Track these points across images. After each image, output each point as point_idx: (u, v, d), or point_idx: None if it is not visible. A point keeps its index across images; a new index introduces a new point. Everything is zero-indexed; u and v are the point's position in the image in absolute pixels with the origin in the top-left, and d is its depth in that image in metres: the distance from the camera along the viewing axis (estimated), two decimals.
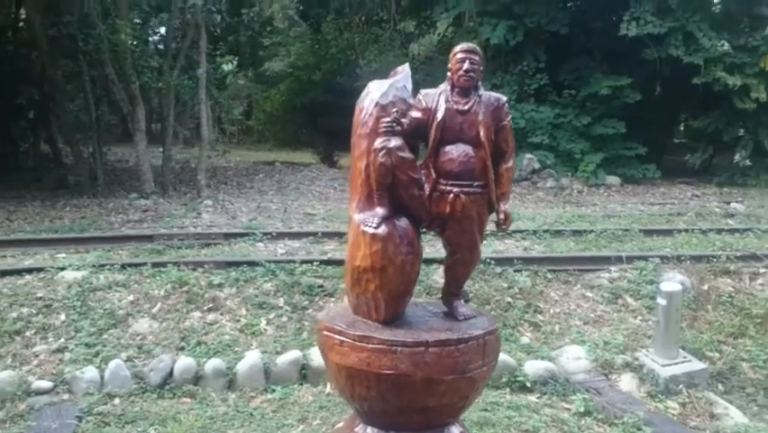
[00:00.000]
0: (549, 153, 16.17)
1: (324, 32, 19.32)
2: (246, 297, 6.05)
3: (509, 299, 6.27)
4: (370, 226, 2.87)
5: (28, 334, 5.37)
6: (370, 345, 2.85)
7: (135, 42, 11.05)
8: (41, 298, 5.75)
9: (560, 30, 17.16)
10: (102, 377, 4.94)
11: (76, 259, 6.86)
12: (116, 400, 4.80)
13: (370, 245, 2.88)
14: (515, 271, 6.68)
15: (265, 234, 8.16)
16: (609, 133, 16.12)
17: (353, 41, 18.36)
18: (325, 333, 3.02)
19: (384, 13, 18.10)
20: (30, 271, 6.22)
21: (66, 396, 4.80)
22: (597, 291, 6.58)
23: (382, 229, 2.87)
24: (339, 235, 8.17)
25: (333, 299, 6.12)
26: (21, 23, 14.68)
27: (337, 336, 2.96)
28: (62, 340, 5.32)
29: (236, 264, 6.51)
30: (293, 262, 6.56)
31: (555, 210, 11.71)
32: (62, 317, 5.56)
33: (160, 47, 12.00)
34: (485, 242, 3.45)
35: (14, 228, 9.59)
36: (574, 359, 5.48)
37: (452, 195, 2.96)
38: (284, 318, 5.85)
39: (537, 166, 15.99)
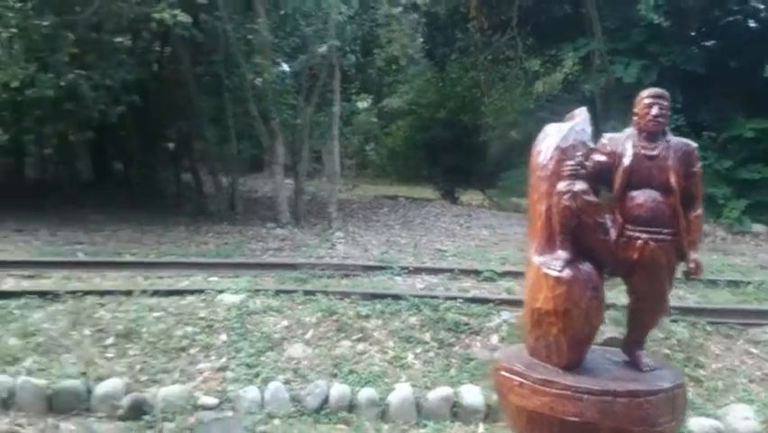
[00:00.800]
0: None
1: (449, 70, 19.57)
2: (393, 329, 6.14)
3: (667, 351, 6.01)
4: (553, 269, 2.86)
5: (192, 351, 5.68)
6: (553, 390, 2.82)
7: (275, 81, 11.60)
8: (203, 318, 6.08)
9: (696, 70, 16.56)
10: (262, 397, 5.14)
11: (229, 282, 7.20)
12: (276, 421, 4.98)
13: (554, 288, 2.87)
14: (671, 321, 6.39)
15: (402, 268, 8.26)
16: (755, 178, 15.23)
17: (479, 79, 18.47)
18: (504, 373, 3.02)
19: (510, 52, 18.12)
20: (191, 292, 6.60)
21: (230, 413, 5.02)
22: (762, 348, 6.19)
23: (566, 272, 2.86)
24: (475, 273, 8.17)
25: (479, 338, 6.10)
26: (164, 60, 15.77)
27: (516, 378, 2.95)
28: (224, 359, 5.59)
29: (381, 297, 6.63)
30: (437, 297, 6.60)
31: (702, 258, 11.14)
32: (223, 337, 5.85)
33: (295, 85, 12.52)
34: None
35: (164, 251, 10.20)
36: (742, 419, 5.15)
37: (640, 241, 2.92)
38: (431, 354, 5.89)
39: None
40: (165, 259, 9.14)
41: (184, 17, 9.74)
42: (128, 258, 9.27)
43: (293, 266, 8.36)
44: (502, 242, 12.45)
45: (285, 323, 6.11)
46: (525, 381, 2.91)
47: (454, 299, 6.60)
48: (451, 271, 8.24)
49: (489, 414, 5.15)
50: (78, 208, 14.71)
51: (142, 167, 17.09)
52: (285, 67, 12.62)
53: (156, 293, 6.52)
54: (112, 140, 17.47)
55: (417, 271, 8.27)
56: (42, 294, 6.42)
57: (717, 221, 15.01)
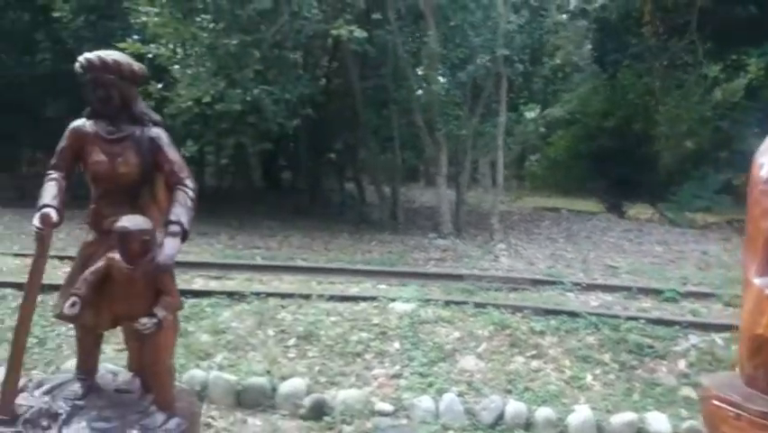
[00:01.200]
0: None
1: (621, 77, 18.70)
2: (569, 348, 5.92)
3: None
4: None
5: (367, 357, 5.80)
6: None
7: (443, 92, 11.67)
8: (377, 324, 6.20)
9: None
10: (437, 408, 5.13)
11: (398, 291, 7.30)
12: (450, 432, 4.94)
13: None
14: None
15: (574, 284, 7.96)
16: None
17: (653, 86, 17.49)
18: (717, 403, 2.77)
19: (688, 57, 17.00)
20: (364, 299, 6.76)
21: (404, 421, 5.06)
22: None
23: None
24: (655, 293, 7.70)
25: (665, 362, 5.72)
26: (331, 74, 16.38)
27: (732, 409, 2.69)
28: (397, 367, 5.65)
29: (555, 313, 6.42)
30: (617, 317, 6.28)
31: None
32: (396, 345, 5.93)
33: (460, 96, 12.52)
34: None
35: (332, 257, 10.58)
36: None
37: None
38: (611, 376, 5.60)
39: None
40: (334, 265, 9.47)
41: (359, 33, 10.09)
42: (300, 263, 9.72)
43: (459, 277, 8.34)
44: (679, 260, 11.66)
45: (456, 334, 6.08)
46: (742, 413, 2.66)
47: (636, 319, 6.25)
48: (628, 289, 7.81)
49: None
50: (252, 215, 15.71)
51: (309, 176, 17.86)
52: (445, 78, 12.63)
53: (332, 298, 6.73)
54: (283, 150, 18.43)
55: (590, 287, 7.93)
56: (230, 294, 6.86)
57: None
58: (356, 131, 14.59)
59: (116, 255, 3.11)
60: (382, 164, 14.31)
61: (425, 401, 5.15)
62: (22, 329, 3.08)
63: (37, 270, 3.04)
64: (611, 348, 5.89)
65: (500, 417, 5.06)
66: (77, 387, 3.35)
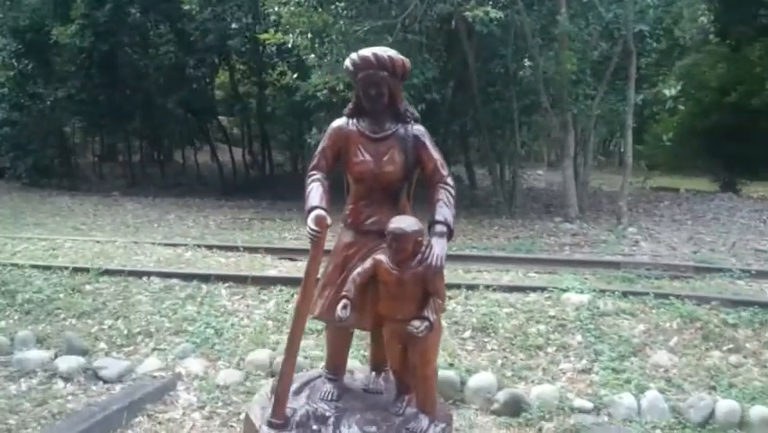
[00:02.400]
0: None
1: (747, 50, 17.65)
2: (767, 341, 5.57)
3: None
4: None
5: (549, 350, 5.64)
6: None
7: (574, 72, 11.27)
8: (553, 316, 6.02)
9: None
10: (639, 405, 4.92)
11: (559, 280, 7.07)
12: (657, 430, 4.73)
13: None
14: None
15: (743, 271, 7.55)
16: None
17: None
18: None
19: None
20: (533, 289, 6.58)
21: (605, 418, 4.88)
22: None
23: None
24: None
25: None
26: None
27: None
28: (584, 361, 5.47)
29: (745, 304, 6.06)
30: None
31: None
32: (578, 338, 5.74)
33: (591, 75, 12.08)
34: None
35: (460, 244, 10.44)
36: None
37: None
38: None
39: None
40: (469, 252, 9.34)
41: (495, 13, 9.84)
42: None
43: (615, 264, 8.05)
44: None
45: (641, 327, 5.82)
46: None
47: None
48: None
49: None
50: None
51: None
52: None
53: (499, 288, 6.59)
54: None
55: (761, 274, 7.49)
56: None
57: None
58: (472, 113, 14.34)
59: (382, 256, 3.06)
60: (501, 147, 14.02)
61: (626, 398, 4.95)
62: (297, 333, 3.08)
63: (313, 272, 3.01)
64: None
65: (710, 415, 4.80)
66: (330, 388, 3.34)
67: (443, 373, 5.26)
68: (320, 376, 3.68)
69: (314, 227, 2.92)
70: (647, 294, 6.30)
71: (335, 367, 3.42)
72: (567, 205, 12.22)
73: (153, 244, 8.91)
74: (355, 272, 3.11)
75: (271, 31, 9.80)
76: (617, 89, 12.91)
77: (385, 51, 3.10)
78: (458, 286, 6.66)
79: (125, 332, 6.15)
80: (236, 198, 17.10)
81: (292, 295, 6.81)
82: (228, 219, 13.09)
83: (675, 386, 5.14)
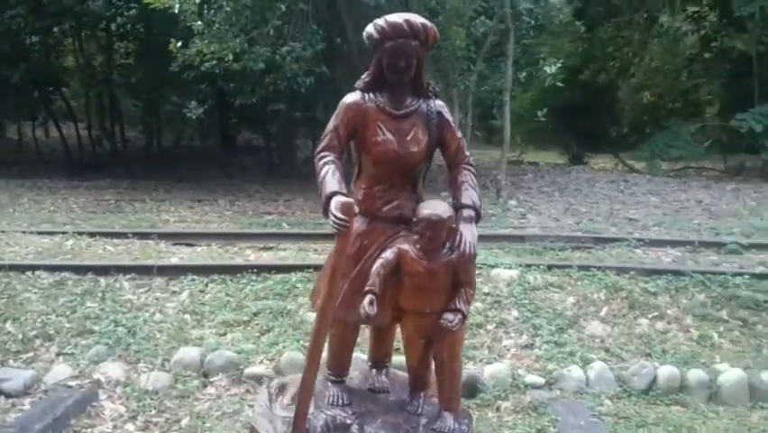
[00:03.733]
0: None
1: (600, 30, 18.82)
2: (685, 307, 5.94)
3: None
4: None
5: (490, 327, 5.63)
6: None
7: (461, 48, 11.37)
8: (488, 294, 6.02)
9: None
10: (587, 377, 5.04)
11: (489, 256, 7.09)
12: (607, 402, 4.87)
13: None
14: None
15: (638, 240, 8.02)
16: None
17: (632, 38, 17.70)
18: None
19: (665, 10, 17.26)
20: None
21: (558, 392, 4.95)
22: None
23: None
24: (717, 245, 7.87)
25: None
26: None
27: None
28: (525, 337, 5.52)
29: (659, 272, 6.42)
30: (723, 273, 6.34)
31: None
32: (515, 313, 5.78)
33: (475, 51, 12.26)
34: None
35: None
36: None
37: None
38: (736, 333, 5.66)
39: None
40: None
41: None
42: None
43: (521, 238, 8.24)
44: (683, 209, 12.02)
45: (572, 300, 5.98)
46: None
47: (741, 275, 6.32)
48: (690, 243, 7.94)
49: None
50: (229, 178, 15.20)
51: (284, 135, 17.31)
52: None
53: None
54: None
55: (655, 243, 8.01)
56: (318, 267, 6.49)
57: None
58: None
59: (407, 245, 2.80)
60: None
61: (574, 371, 5.05)
62: (321, 338, 2.74)
63: (339, 268, 2.68)
64: (725, 305, 5.95)
65: (653, 381, 5.02)
66: (337, 391, 3.04)
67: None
68: None
69: (340, 216, 2.54)
70: (571, 267, 6.49)
71: (340, 368, 3.11)
72: None
73: (24, 232, 7.87)
74: (378, 264, 2.81)
75: None
76: (494, 66, 13.23)
77: (416, 18, 2.78)
78: None
79: (19, 336, 5.34)
80: (91, 178, 15.65)
81: (206, 284, 6.33)
82: (91, 202, 11.90)
83: (615, 355, 5.32)
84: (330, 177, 2.71)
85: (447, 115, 2.94)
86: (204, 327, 5.67)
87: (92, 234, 7.87)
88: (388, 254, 2.81)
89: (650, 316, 5.80)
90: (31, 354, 5.20)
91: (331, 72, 12.07)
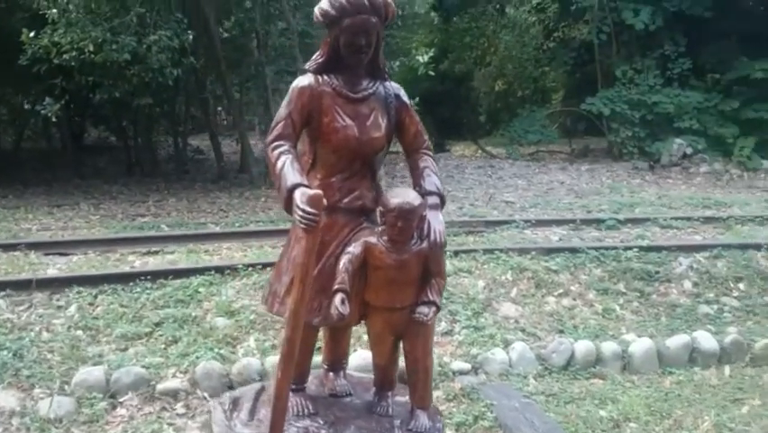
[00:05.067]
0: (699, 138, 15.99)
1: (456, 21, 19.35)
2: (586, 283, 6.20)
3: None
4: None
5: None
6: None
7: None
8: None
9: (703, 13, 16.98)
10: (510, 358, 5.11)
11: None
12: (532, 381, 4.97)
13: None
14: None
15: (525, 221, 8.29)
16: (764, 118, 15.84)
17: (486, 29, 18.36)
18: None
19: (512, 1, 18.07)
20: None
21: (483, 376, 4.98)
22: None
23: None
24: (597, 222, 8.31)
25: (672, 285, 6.23)
26: None
27: None
28: (444, 323, 5.50)
29: (557, 251, 6.66)
30: (615, 248, 6.68)
31: (742, 196, 11.64)
32: None
33: None
34: None
35: (247, 219, 9.79)
36: None
37: None
38: (635, 304, 6.00)
39: (689, 151, 15.82)
40: (273, 227, 8.81)
41: None
42: (216, 229, 8.96)
43: None
44: (551, 190, 12.66)
45: (482, 283, 6.05)
46: None
47: (631, 248, 6.69)
48: (572, 222, 8.33)
49: (723, 356, 5.32)
50: (85, 179, 14.13)
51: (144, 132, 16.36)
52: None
53: None
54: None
55: (540, 223, 8.32)
56: (218, 269, 6.12)
57: (727, 159, 15.62)
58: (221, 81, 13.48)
59: (372, 238, 2.63)
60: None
61: (498, 354, 5.10)
62: (295, 344, 2.49)
63: (311, 267, 2.44)
64: (621, 278, 6.28)
65: (571, 357, 5.19)
66: (300, 401, 2.82)
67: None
68: (262, 389, 3.12)
69: (309, 209, 2.30)
70: (477, 251, 6.57)
71: (301, 374, 2.87)
72: None
73: None
74: (345, 260, 2.61)
75: None
76: None
77: None
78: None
79: None
80: None
81: (95, 296, 5.76)
82: None
83: (531, 335, 5.45)
84: (289, 167, 2.46)
85: (405, 97, 2.79)
86: (101, 344, 5.14)
87: None
88: (354, 249, 2.62)
89: (556, 293, 6.01)
90: None
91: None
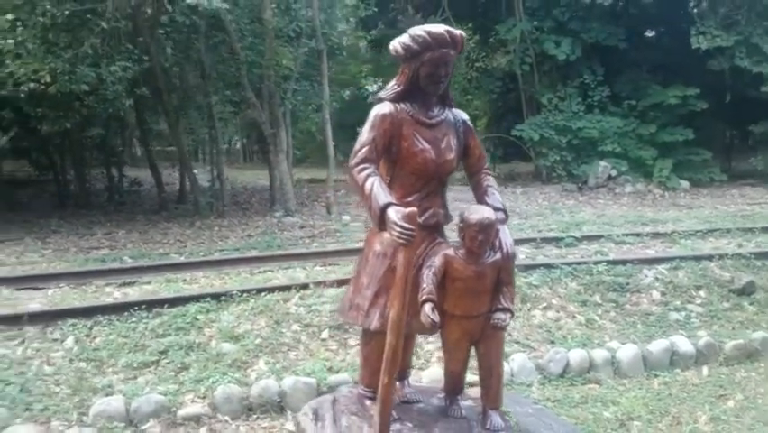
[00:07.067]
0: (621, 160, 17.04)
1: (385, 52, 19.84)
2: (565, 296, 6.59)
3: None
4: None
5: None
6: None
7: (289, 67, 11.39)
8: None
9: (617, 44, 18.25)
10: (511, 369, 5.39)
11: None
12: (534, 388, 5.26)
13: None
14: None
15: None
16: (678, 141, 17.09)
17: None
18: None
19: None
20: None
21: None
22: None
23: None
24: (556, 240, 8.79)
25: (642, 295, 6.71)
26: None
27: None
28: None
29: (534, 267, 7.04)
30: (586, 263, 7.12)
31: (671, 213, 12.52)
32: None
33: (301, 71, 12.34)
34: None
35: (209, 248, 9.70)
36: None
37: None
38: (612, 313, 6.42)
39: (614, 173, 16.85)
40: (221, 256, 8.83)
41: (218, 2, 9.37)
42: (180, 259, 8.88)
43: None
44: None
45: None
46: None
47: (599, 263, 7.16)
48: (534, 240, 8.78)
49: (699, 358, 5.80)
50: (21, 212, 13.61)
51: (77, 164, 15.90)
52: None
53: (321, 284, 6.47)
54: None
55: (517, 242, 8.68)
56: (214, 296, 6.14)
57: (648, 180, 16.72)
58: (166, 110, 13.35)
59: (450, 251, 2.87)
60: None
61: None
62: (398, 351, 2.67)
63: (409, 279, 2.64)
64: (596, 290, 6.72)
65: (566, 365, 5.51)
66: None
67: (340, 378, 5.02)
68: (335, 400, 3.27)
69: (407, 225, 2.53)
70: None
71: (376, 382, 3.05)
72: (286, 199, 12.30)
73: None
74: (430, 272, 2.83)
75: None
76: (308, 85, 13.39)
77: (452, 29, 2.87)
78: (286, 288, 6.34)
79: None
80: None
81: (90, 328, 5.68)
82: None
83: (526, 346, 5.76)
84: (378, 188, 2.67)
85: (470, 123, 3.08)
86: (107, 374, 5.08)
87: None
88: (436, 261, 2.84)
89: (540, 307, 6.36)
90: None
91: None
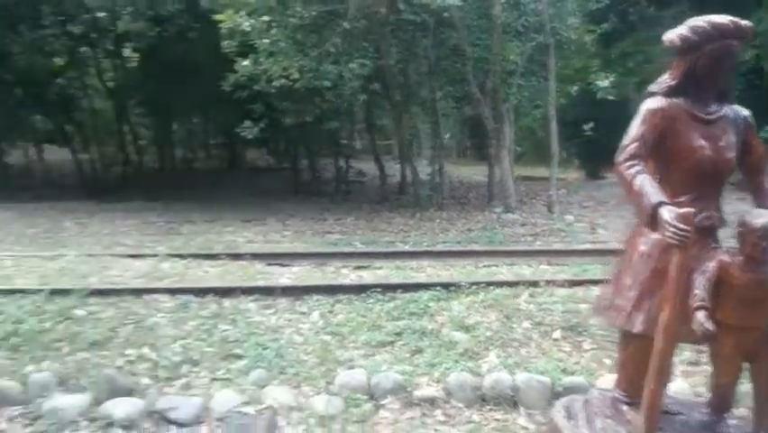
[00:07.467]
0: None
1: (617, 46, 19.01)
2: None
3: None
4: None
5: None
6: None
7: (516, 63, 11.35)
8: None
9: None
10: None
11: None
12: None
13: None
14: None
15: None
16: None
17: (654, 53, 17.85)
18: None
19: None
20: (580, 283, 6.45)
21: None
22: None
23: None
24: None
25: None
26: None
27: None
28: (687, 352, 5.36)
29: None
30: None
31: None
32: None
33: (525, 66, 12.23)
34: None
35: (429, 239, 10.09)
36: None
37: None
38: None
39: None
40: (447, 248, 9.06)
41: (454, 1, 9.56)
42: (405, 247, 9.23)
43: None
44: None
45: None
46: None
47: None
48: None
49: None
50: (265, 197, 14.96)
51: (309, 155, 17.23)
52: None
53: (551, 283, 6.38)
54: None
55: None
56: (444, 286, 6.32)
57: None
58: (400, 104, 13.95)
59: (726, 257, 2.66)
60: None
61: None
62: (668, 356, 2.58)
63: (682, 283, 2.52)
64: None
65: None
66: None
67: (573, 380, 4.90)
68: (586, 401, 3.21)
69: (682, 226, 2.40)
70: None
71: (638, 390, 2.93)
72: (506, 195, 12.29)
73: (112, 255, 7.57)
74: (704, 278, 2.66)
75: (229, 12, 8.68)
76: (534, 81, 13.21)
77: (735, 19, 2.69)
78: (516, 284, 6.34)
79: (165, 363, 5.05)
80: (110, 201, 15.28)
81: (333, 305, 6.11)
82: (139, 224, 11.60)
83: None
84: (649, 186, 2.57)
85: (752, 120, 2.85)
86: (349, 349, 5.42)
87: (182, 256, 7.59)
88: (710, 267, 2.66)
89: None
90: (183, 380, 4.90)
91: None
